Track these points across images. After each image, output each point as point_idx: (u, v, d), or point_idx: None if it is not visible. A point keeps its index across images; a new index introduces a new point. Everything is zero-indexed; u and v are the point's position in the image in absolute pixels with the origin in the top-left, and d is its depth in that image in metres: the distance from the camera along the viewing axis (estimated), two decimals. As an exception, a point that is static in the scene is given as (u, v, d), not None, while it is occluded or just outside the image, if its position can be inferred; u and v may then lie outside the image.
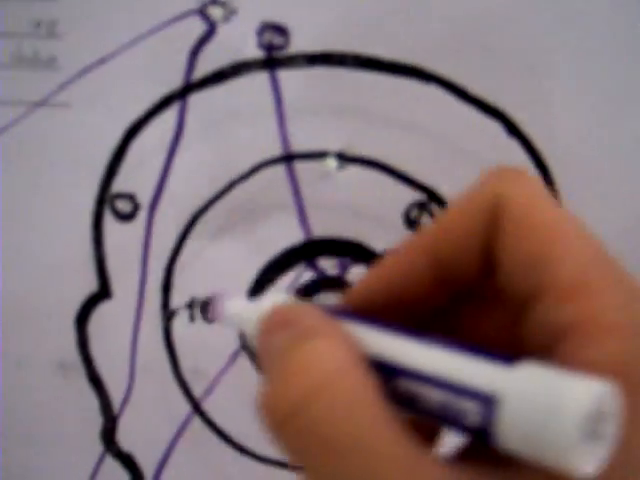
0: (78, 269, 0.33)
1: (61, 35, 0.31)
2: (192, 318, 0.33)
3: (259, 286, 0.33)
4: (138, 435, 0.35)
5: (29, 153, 0.32)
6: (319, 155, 0.32)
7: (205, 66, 0.32)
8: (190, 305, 0.33)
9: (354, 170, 0.32)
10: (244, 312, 0.20)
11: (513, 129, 0.32)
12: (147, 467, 0.35)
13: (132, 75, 0.32)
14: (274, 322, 0.18)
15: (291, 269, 0.33)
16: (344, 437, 0.15)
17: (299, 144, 0.32)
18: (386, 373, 0.16)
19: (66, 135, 0.32)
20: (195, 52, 0.31)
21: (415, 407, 0.16)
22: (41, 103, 0.32)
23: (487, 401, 0.14)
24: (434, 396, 0.15)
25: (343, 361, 0.16)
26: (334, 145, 0.32)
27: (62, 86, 0.32)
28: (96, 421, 0.35)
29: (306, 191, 0.32)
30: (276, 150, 0.32)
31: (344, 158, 0.32)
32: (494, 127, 0.32)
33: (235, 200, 0.32)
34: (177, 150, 0.32)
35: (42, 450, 0.35)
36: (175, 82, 0.32)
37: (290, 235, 0.33)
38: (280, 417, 0.16)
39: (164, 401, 0.34)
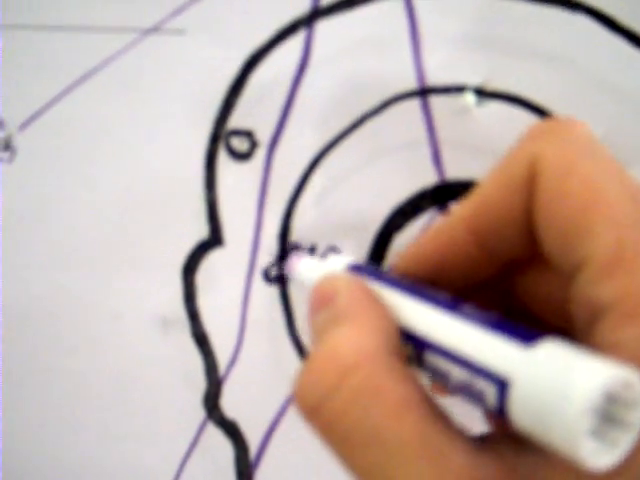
0: (187, 213, 0.30)
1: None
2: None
3: (387, 233, 0.30)
4: (244, 401, 0.32)
5: (139, 84, 0.29)
6: (456, 89, 0.29)
7: (335, -10, 0.29)
8: (310, 254, 0.30)
9: (494, 106, 0.29)
10: (308, 276, 0.19)
11: (667, 63, 0.29)
12: (253, 437, 0.32)
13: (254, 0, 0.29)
14: (316, 298, 0.18)
15: (421, 214, 0.30)
16: (365, 428, 0.15)
17: (435, 77, 0.29)
18: (417, 346, 0.16)
19: (179, 65, 0.29)
20: (323, -25, 0.29)
21: (443, 384, 0.16)
22: (153, 30, 0.29)
23: (501, 382, 0.14)
24: (457, 374, 0.15)
25: (367, 349, 0.15)
26: (473, 79, 0.29)
27: (177, 11, 0.29)
28: (199, 384, 0.32)
29: (441, 129, 0.30)
30: (410, 83, 0.29)
31: (483, 93, 0.29)
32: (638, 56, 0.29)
33: (364, 138, 0.29)
34: (301, 83, 0.29)
35: (137, 415, 0.32)
36: (301, 7, 0.29)
37: (422, 177, 0.30)
38: (308, 407, 0.15)
39: (276, 363, 0.31)
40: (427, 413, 0.15)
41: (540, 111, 0.30)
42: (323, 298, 0.17)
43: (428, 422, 0.14)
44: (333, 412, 0.15)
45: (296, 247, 0.30)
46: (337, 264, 0.19)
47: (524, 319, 0.18)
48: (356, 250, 0.30)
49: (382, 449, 0.14)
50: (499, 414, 0.14)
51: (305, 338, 0.31)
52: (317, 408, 0.15)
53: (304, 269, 0.20)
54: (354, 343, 0.16)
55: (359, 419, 0.15)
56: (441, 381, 0.16)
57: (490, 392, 0.14)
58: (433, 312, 0.17)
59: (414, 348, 0.17)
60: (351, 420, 0.15)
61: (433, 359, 0.16)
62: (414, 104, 0.29)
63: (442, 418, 0.15)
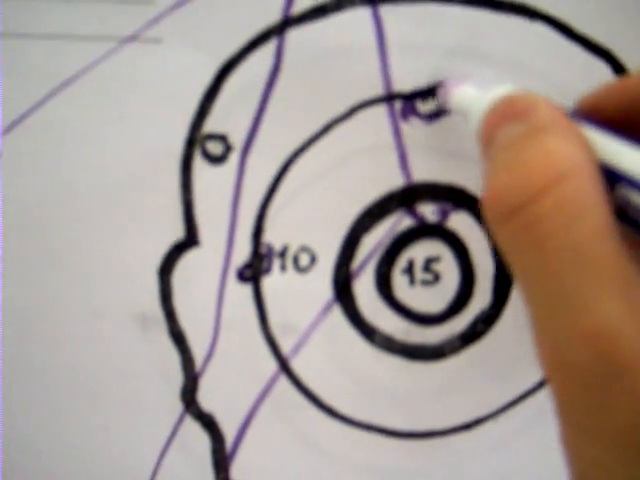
0: (164, 215, 0.31)
1: (154, -33, 0.30)
2: (284, 268, 0.32)
3: (355, 233, 0.31)
4: (220, 395, 0.33)
5: (117, 93, 0.31)
6: (421, 95, 0.30)
7: (305, 0, 0.30)
8: (282, 254, 0.31)
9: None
10: (472, 100, 0.19)
11: (620, 69, 0.31)
12: (229, 429, 0.33)
13: (228, 9, 0.30)
14: (506, 112, 0.17)
15: (389, 215, 0.31)
16: (566, 239, 0.14)
17: (401, 84, 0.30)
18: (611, 181, 0.16)
19: (157, 72, 0.31)
20: (294, -14, 0.30)
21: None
22: (132, 38, 0.30)
23: None
24: None
25: (578, 161, 0.15)
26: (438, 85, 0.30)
27: (154, 20, 0.30)
28: (176, 379, 0.33)
29: (407, 133, 0.31)
30: (377, 90, 0.30)
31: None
32: (600, 67, 0.31)
33: (333, 142, 0.31)
34: (273, 89, 0.30)
35: (117, 409, 0.33)
36: (273, 17, 0.30)
37: (389, 180, 0.31)
38: (504, 209, 0.15)
39: (249, 358, 0.33)
40: (623, 247, 0.14)
41: (502, 116, 0.31)
42: (517, 111, 0.17)
43: (624, 255, 0.14)
44: (536, 215, 0.15)
45: (268, 248, 0.32)
46: (507, 90, 0.18)
47: None
48: (326, 250, 0.32)
49: (578, 264, 0.14)
50: None
51: (277, 333, 0.32)
52: (517, 209, 0.15)
53: (468, 96, 0.19)
54: (568, 152, 0.15)
55: (562, 228, 0.14)
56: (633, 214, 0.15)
57: None
58: (627, 146, 0.16)
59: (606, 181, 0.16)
60: (553, 227, 0.14)
61: (627, 192, 0.15)
62: (381, 110, 0.31)
63: (633, 259, 0.14)
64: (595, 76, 0.31)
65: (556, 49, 0.31)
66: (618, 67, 0.31)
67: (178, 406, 0.33)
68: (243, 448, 0.34)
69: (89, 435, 0.34)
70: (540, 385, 0.33)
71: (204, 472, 0.34)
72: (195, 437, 0.34)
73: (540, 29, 0.31)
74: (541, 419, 0.33)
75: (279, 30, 0.30)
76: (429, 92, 0.31)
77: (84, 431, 0.33)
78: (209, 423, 0.33)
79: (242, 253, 0.32)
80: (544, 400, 0.33)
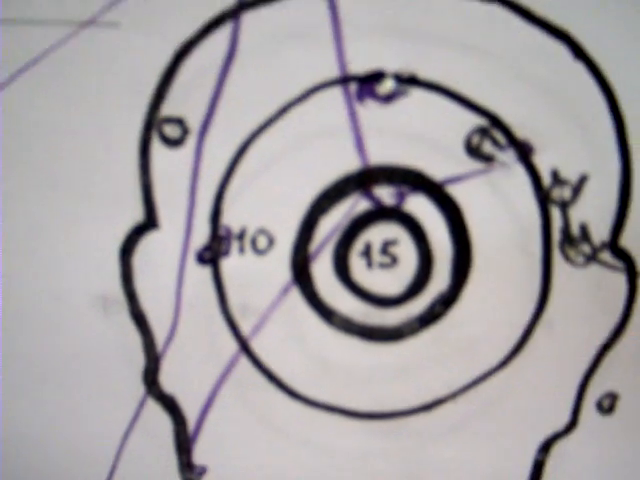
0: (124, 198, 0.32)
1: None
2: (242, 250, 0.32)
3: (312, 216, 0.32)
4: (182, 377, 0.33)
5: (75, 77, 0.31)
6: (376, 77, 0.31)
7: (260, -16, 0.30)
8: (240, 236, 0.32)
9: (413, 94, 0.31)
10: None
11: (579, 52, 0.31)
12: (190, 411, 0.34)
13: (184, -7, 0.30)
14: None
15: (346, 198, 0.32)
16: None
17: (356, 66, 0.31)
18: None
19: (114, 56, 0.31)
20: (249, -30, 0.30)
21: None
22: (90, 22, 0.31)
23: None
24: None
25: None
26: (393, 67, 0.31)
27: (112, 4, 0.30)
28: (138, 361, 0.33)
29: (363, 116, 0.31)
30: (333, 72, 0.31)
31: (403, 80, 0.31)
32: (559, 50, 0.31)
33: (289, 125, 0.31)
34: (229, 72, 0.31)
35: (79, 392, 0.33)
36: (228, 1, 0.30)
37: (346, 162, 0.31)
38: None
39: (210, 340, 0.33)
40: None
41: (458, 98, 0.31)
42: None
43: None
44: None
45: (227, 230, 0.32)
46: None
47: None
48: (284, 232, 0.32)
49: None
50: None
51: (237, 314, 0.33)
52: None
53: None
54: None
55: None
56: None
57: None
58: None
59: None
60: None
61: None
62: (336, 92, 0.31)
63: None
64: (554, 59, 0.31)
65: (513, 31, 0.31)
66: (578, 50, 0.31)
67: (140, 388, 0.33)
68: (205, 430, 0.34)
69: (51, 418, 0.34)
70: (499, 367, 0.33)
71: (167, 454, 0.34)
72: (157, 419, 0.34)
73: (497, 11, 0.31)
74: (501, 401, 0.33)
75: (234, 14, 0.31)
76: (384, 74, 0.31)
77: (46, 414, 0.34)
78: (171, 405, 0.34)
79: (201, 235, 0.32)
80: (503, 382, 0.33)
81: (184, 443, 0.34)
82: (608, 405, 0.34)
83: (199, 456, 0.34)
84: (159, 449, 0.34)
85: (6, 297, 0.32)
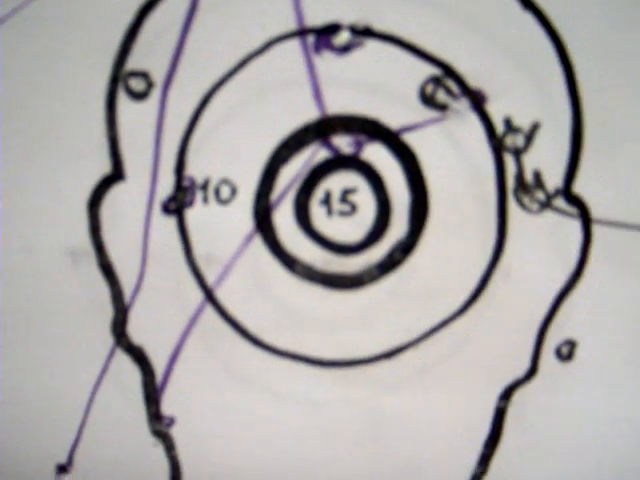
0: (91, 151, 0.33)
1: None
2: (206, 200, 0.33)
3: (273, 165, 0.33)
4: (149, 327, 0.34)
5: (44, 31, 0.32)
6: (332, 29, 0.32)
7: (220, -59, 0.32)
8: (204, 186, 0.33)
9: (369, 45, 0.32)
10: None
11: (527, 2, 0.32)
12: (158, 361, 0.34)
13: (147, -49, 0.32)
14: None
15: (306, 147, 0.33)
16: None
17: (313, 19, 0.32)
18: None
19: (80, 13, 0.32)
20: None
21: None
22: (56, -20, 0.32)
23: None
24: None
25: None
26: (349, 19, 0.32)
27: (77, -37, 0.32)
28: (106, 312, 0.34)
29: (321, 67, 0.32)
30: (290, 25, 0.32)
31: (358, 32, 0.32)
32: (509, 1, 0.32)
33: (249, 77, 0.32)
34: (191, 27, 0.32)
35: (49, 343, 0.34)
36: (190, -43, 0.32)
37: (305, 112, 0.33)
38: None
39: (176, 290, 0.34)
40: None
41: (412, 49, 0.32)
42: None
43: None
44: None
45: (191, 181, 0.33)
46: None
47: None
48: (246, 182, 0.33)
49: None
50: None
51: (202, 264, 0.33)
52: None
53: None
54: None
55: None
56: None
57: None
58: None
59: None
60: None
61: None
62: (294, 44, 0.32)
63: None
64: (504, 10, 0.32)
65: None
66: (525, 1, 0.32)
67: (109, 339, 0.34)
68: (172, 381, 0.35)
69: (22, 369, 0.35)
70: (458, 313, 0.34)
71: (136, 405, 0.35)
72: (126, 370, 0.35)
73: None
74: (461, 348, 0.34)
75: (196, -30, 0.32)
76: (340, 26, 0.32)
77: (17, 365, 0.35)
78: (139, 356, 0.34)
79: (166, 186, 0.33)
80: (463, 328, 0.34)
81: (152, 394, 0.35)
82: (567, 352, 0.34)
83: (167, 407, 0.35)
84: (128, 400, 0.35)
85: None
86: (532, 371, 0.34)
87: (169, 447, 0.35)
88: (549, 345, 0.34)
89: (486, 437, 0.34)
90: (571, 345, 0.34)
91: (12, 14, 0.32)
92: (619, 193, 0.33)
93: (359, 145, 0.33)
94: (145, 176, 0.33)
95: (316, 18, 0.32)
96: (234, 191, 0.33)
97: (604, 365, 0.34)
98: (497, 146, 0.32)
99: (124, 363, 0.34)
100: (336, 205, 0.33)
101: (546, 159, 0.33)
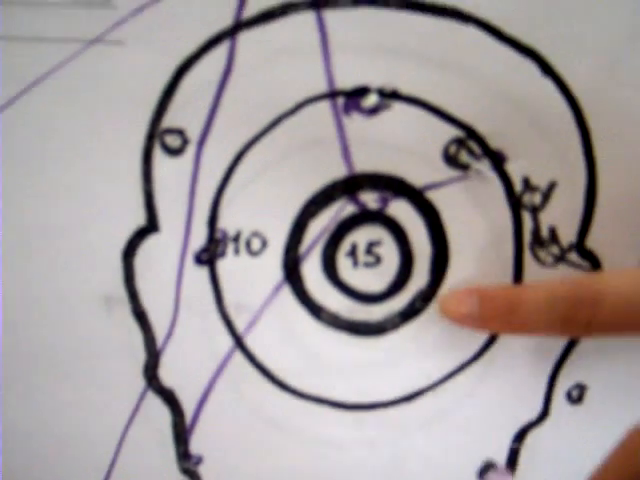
0: (127, 203, 0.34)
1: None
2: (237, 251, 0.34)
3: (302, 219, 0.34)
4: (180, 371, 0.36)
5: (83, 90, 0.34)
6: (361, 92, 0.33)
7: (255, 6, 0.33)
8: (236, 238, 0.34)
9: (396, 107, 0.34)
10: None
11: (547, 69, 0.34)
12: (188, 403, 0.36)
13: (185, 14, 0.33)
14: None
15: (334, 203, 0.34)
16: None
17: (343, 82, 0.34)
18: None
19: (119, 72, 0.33)
20: (244, -6, 0.33)
21: None
22: (96, 40, 0.33)
23: None
24: None
25: None
26: (377, 83, 0.33)
27: (117, 24, 0.33)
28: (139, 357, 0.36)
29: (349, 127, 0.34)
30: (321, 87, 0.33)
31: (385, 95, 0.33)
32: (529, 67, 0.34)
33: (280, 136, 0.34)
34: (226, 87, 0.33)
35: (83, 386, 0.35)
36: (226, 21, 0.33)
37: (333, 170, 0.34)
38: None
39: (206, 336, 0.35)
40: None
41: (437, 112, 0.34)
42: None
43: None
44: None
45: (223, 233, 0.35)
46: None
47: None
48: (276, 235, 0.35)
49: None
50: None
51: (232, 312, 0.35)
52: None
53: None
54: None
55: None
56: None
57: None
58: None
59: None
60: None
61: None
62: (324, 105, 0.34)
63: None
64: (524, 75, 0.34)
65: (487, 50, 0.34)
66: (545, 67, 0.34)
67: (141, 382, 0.36)
68: (201, 421, 0.36)
69: (57, 411, 0.36)
70: (474, 358, 0.36)
71: (165, 445, 0.37)
72: (157, 411, 0.36)
73: (473, 31, 0.34)
74: (477, 391, 0.36)
75: (231, 33, 0.33)
76: (369, 89, 0.34)
77: (52, 408, 0.36)
78: (170, 398, 0.36)
79: (199, 238, 0.35)
80: (479, 373, 0.36)
81: (182, 434, 0.36)
82: (577, 395, 0.36)
83: (195, 446, 0.37)
84: (158, 440, 0.36)
85: (14, 297, 0.35)
86: (544, 413, 0.36)
87: (197, 484, 0.36)
88: (560, 389, 0.36)
89: None
90: (581, 389, 0.36)
91: (54, 71, 0.33)
92: (631, 246, 0.35)
93: (384, 201, 0.34)
94: (179, 228, 0.34)
95: (346, 81, 0.33)
96: (265, 243, 0.34)
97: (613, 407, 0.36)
98: (515, 204, 0.34)
99: (155, 405, 0.36)
100: (361, 257, 0.35)
101: (561, 216, 0.35)
